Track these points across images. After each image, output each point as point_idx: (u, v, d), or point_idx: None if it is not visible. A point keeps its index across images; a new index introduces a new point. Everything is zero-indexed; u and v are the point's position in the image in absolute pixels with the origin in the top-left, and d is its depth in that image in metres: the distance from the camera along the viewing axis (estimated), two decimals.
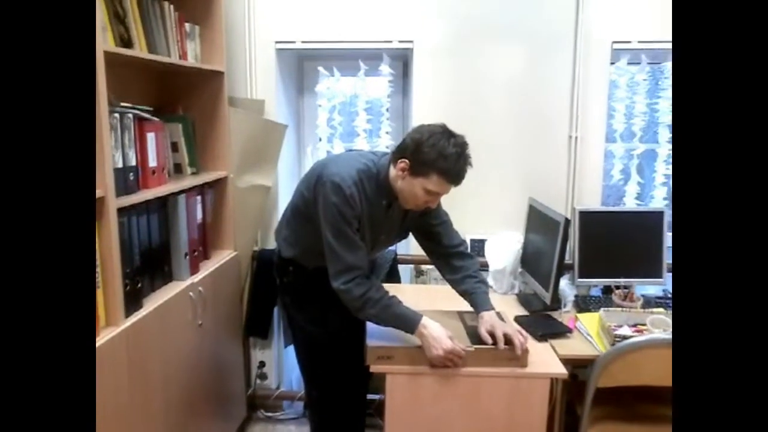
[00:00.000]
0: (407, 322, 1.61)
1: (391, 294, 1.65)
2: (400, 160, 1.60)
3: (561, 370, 1.64)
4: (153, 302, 1.72)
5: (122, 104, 1.78)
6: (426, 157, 1.54)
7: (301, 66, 2.76)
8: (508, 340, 1.61)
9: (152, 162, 1.81)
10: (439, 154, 1.53)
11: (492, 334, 1.62)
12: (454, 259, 1.82)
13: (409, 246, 2.54)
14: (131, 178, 1.69)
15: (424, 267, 2.46)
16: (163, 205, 1.88)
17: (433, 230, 1.82)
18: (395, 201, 1.69)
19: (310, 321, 1.82)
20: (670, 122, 2.56)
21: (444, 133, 1.57)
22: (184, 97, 2.23)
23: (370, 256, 1.87)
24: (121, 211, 1.59)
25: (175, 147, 2.11)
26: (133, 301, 1.62)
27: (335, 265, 1.62)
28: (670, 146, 2.59)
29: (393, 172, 1.64)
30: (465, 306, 1.80)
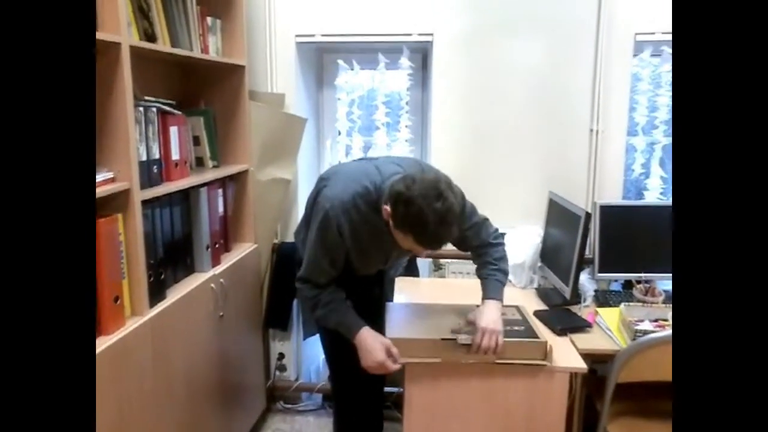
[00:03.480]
0: (348, 328, 1.65)
1: (345, 300, 1.69)
2: (384, 207, 1.53)
3: (581, 365, 1.63)
4: (176, 293, 1.75)
5: (146, 98, 1.80)
6: (403, 218, 1.45)
7: (321, 59, 2.77)
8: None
9: (175, 155, 1.84)
10: (417, 219, 1.41)
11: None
12: (482, 250, 1.78)
13: None
14: (155, 170, 1.72)
15: (442, 261, 2.46)
16: (186, 198, 1.90)
17: (462, 235, 1.74)
18: None
19: None
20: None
21: (429, 194, 1.41)
22: (205, 91, 2.26)
23: (387, 268, 1.91)
24: (145, 203, 1.61)
25: (196, 140, 2.13)
26: (157, 292, 1.65)
27: (303, 271, 1.69)
28: None
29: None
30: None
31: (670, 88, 2.55)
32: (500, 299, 1.69)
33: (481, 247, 1.77)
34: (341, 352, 1.86)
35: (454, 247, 1.83)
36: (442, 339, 1.60)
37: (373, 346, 1.59)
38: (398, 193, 1.45)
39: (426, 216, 1.40)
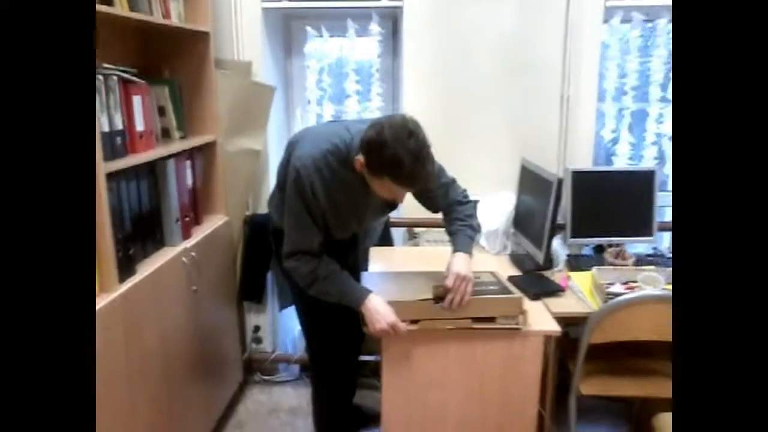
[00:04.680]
0: (354, 296, 1.62)
1: (342, 270, 1.67)
2: (357, 158, 1.52)
3: (554, 328, 1.67)
4: (146, 268, 1.71)
5: (105, 65, 1.72)
6: (379, 162, 1.46)
7: (289, 26, 2.69)
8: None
9: (139, 126, 1.77)
10: (392, 159, 1.42)
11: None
12: (451, 208, 1.80)
13: (401, 209, 2.53)
14: (119, 142, 1.65)
15: (416, 230, 2.47)
16: (152, 170, 1.84)
17: (431, 194, 1.79)
18: None
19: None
20: (662, 81, 2.55)
21: (401, 133, 1.43)
22: (168, 59, 2.17)
23: (361, 229, 1.89)
24: (110, 176, 1.55)
25: (162, 111, 2.05)
26: (126, 267, 1.61)
27: (288, 246, 1.66)
28: (661, 105, 2.58)
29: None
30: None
31: (639, 54, 2.56)
32: (469, 252, 1.71)
33: (451, 206, 1.80)
34: (318, 322, 1.86)
35: (427, 209, 1.85)
36: (419, 300, 1.61)
37: (385, 309, 1.57)
38: (370, 140, 1.46)
39: (400, 156, 1.41)
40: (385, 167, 1.46)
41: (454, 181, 1.83)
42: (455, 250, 1.71)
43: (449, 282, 1.59)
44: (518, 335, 1.63)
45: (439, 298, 1.60)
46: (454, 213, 1.79)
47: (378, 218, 1.91)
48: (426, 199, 1.82)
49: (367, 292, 1.62)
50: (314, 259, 1.65)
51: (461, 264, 1.64)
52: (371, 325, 1.59)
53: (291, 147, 1.72)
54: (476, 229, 1.81)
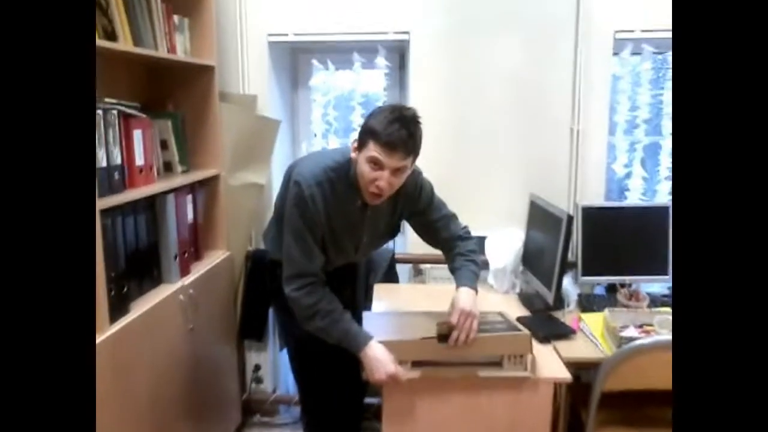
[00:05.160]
0: (355, 340, 1.54)
1: (345, 311, 1.59)
2: (352, 143, 1.58)
3: (565, 375, 1.58)
4: (141, 307, 1.66)
5: (106, 100, 1.71)
6: (364, 128, 1.52)
7: (296, 59, 2.68)
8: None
9: (139, 160, 1.75)
10: (376, 122, 1.48)
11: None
12: (452, 244, 1.75)
13: (407, 245, 2.47)
14: (116, 177, 1.62)
15: (422, 266, 2.40)
16: (151, 205, 1.81)
17: (432, 227, 1.76)
18: None
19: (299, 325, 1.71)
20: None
21: (390, 106, 1.54)
22: (173, 93, 2.16)
23: (357, 257, 1.83)
24: (106, 212, 1.52)
25: (164, 145, 2.04)
26: (118, 307, 1.56)
27: (289, 268, 1.60)
28: None
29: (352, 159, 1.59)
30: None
31: (651, 86, 2.51)
32: (474, 288, 1.65)
33: (452, 240, 1.75)
34: (315, 365, 1.77)
35: (427, 243, 1.82)
36: (422, 339, 1.53)
37: (384, 357, 1.50)
38: (364, 118, 1.56)
39: (380, 118, 1.48)
40: (367, 131, 1.49)
41: (455, 216, 1.79)
42: (459, 285, 1.65)
43: (453, 318, 1.52)
44: (526, 383, 1.54)
45: (443, 336, 1.52)
46: (456, 248, 1.74)
47: (376, 245, 1.84)
48: (426, 231, 1.78)
49: (369, 338, 1.54)
50: (317, 290, 1.58)
51: (466, 300, 1.58)
52: (370, 374, 1.52)
53: (290, 170, 1.70)
54: (480, 265, 1.76)
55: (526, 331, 1.57)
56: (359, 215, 1.64)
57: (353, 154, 1.57)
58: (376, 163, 1.49)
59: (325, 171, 1.59)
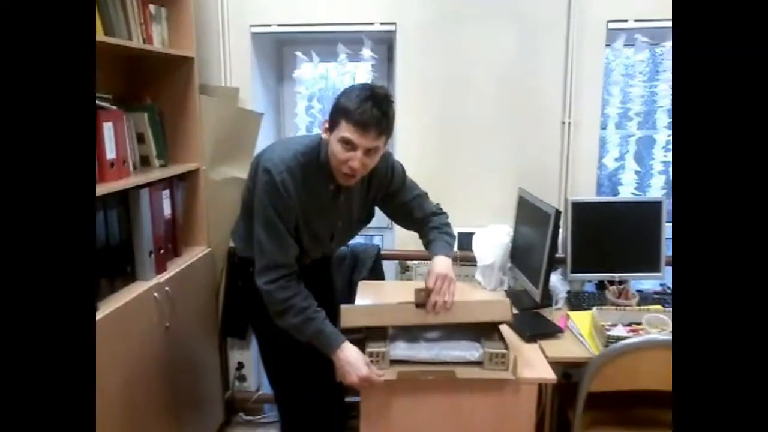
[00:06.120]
0: (328, 340, 1.49)
1: (319, 309, 1.54)
2: (323, 122, 1.53)
3: (549, 375, 1.52)
4: (111, 305, 1.60)
5: None
6: (335, 107, 1.47)
7: (280, 51, 2.62)
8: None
9: (110, 154, 1.69)
10: (347, 100, 1.44)
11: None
12: (426, 220, 1.75)
13: (394, 241, 2.42)
14: None
15: (409, 263, 2.34)
16: (124, 200, 1.75)
17: (405, 207, 1.75)
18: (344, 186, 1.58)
19: (274, 324, 1.62)
20: (669, 106, 2.42)
21: (361, 85, 1.49)
22: (151, 85, 2.10)
23: (333, 246, 1.78)
24: None
25: (141, 138, 1.98)
26: None
27: (261, 260, 1.53)
28: (669, 132, 2.46)
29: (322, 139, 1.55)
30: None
31: (645, 78, 2.45)
32: (450, 256, 1.64)
33: (425, 218, 1.75)
34: (290, 364, 1.71)
35: (403, 226, 1.82)
36: (399, 303, 1.54)
37: (356, 359, 1.46)
38: (335, 98, 1.50)
39: (355, 96, 1.43)
40: (339, 110, 1.45)
41: (426, 194, 1.78)
42: (435, 254, 1.63)
43: (430, 282, 1.52)
44: (509, 384, 1.49)
45: (421, 305, 1.51)
46: (430, 223, 1.74)
47: (351, 232, 1.80)
48: (400, 212, 1.76)
49: (342, 339, 1.49)
50: (291, 284, 1.52)
51: (442, 265, 1.58)
52: (342, 377, 1.47)
53: (257, 159, 1.62)
54: (454, 237, 1.75)
55: (506, 298, 1.56)
56: (332, 200, 1.60)
57: (324, 135, 1.52)
58: (348, 143, 1.44)
59: (295, 156, 1.53)
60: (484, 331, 1.56)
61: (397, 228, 2.30)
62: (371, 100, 1.42)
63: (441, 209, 1.78)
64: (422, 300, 1.51)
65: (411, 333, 1.58)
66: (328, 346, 1.48)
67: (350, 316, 1.53)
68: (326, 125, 1.51)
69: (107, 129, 1.67)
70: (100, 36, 1.65)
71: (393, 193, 1.71)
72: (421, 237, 1.76)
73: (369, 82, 1.61)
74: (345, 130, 1.43)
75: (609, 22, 2.23)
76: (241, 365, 2.45)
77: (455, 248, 1.74)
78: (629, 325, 1.71)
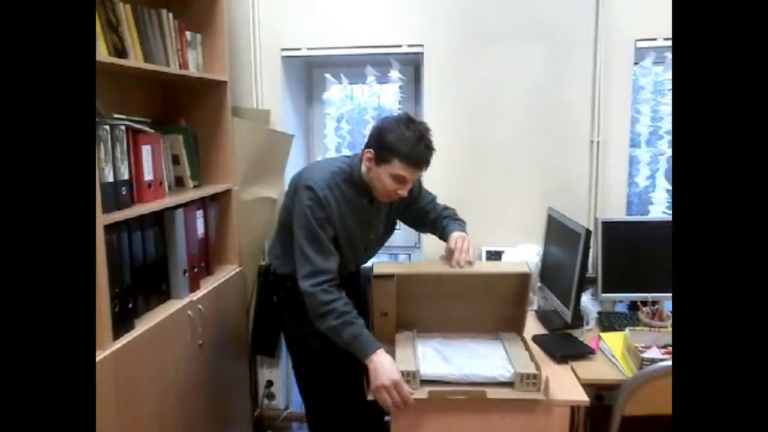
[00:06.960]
0: (365, 345, 1.53)
1: (359, 316, 1.59)
2: (365, 151, 1.65)
3: (582, 397, 1.50)
4: (147, 323, 1.64)
5: (115, 116, 1.71)
6: (386, 145, 1.58)
7: (309, 73, 2.68)
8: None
9: (148, 175, 1.74)
10: (398, 140, 1.56)
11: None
12: (439, 216, 1.91)
13: (422, 260, 2.42)
14: (123, 192, 1.62)
15: None
16: (160, 220, 1.80)
17: (422, 211, 1.91)
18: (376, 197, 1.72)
19: (311, 334, 1.69)
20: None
21: (403, 119, 1.61)
22: (186, 109, 2.17)
23: (365, 258, 1.89)
24: (112, 227, 1.51)
25: (176, 159, 2.04)
26: (122, 323, 1.54)
27: (305, 267, 1.62)
28: None
29: (363, 166, 1.68)
30: None
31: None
32: (464, 231, 1.80)
33: (438, 216, 1.92)
34: (326, 375, 1.74)
35: (418, 229, 2.04)
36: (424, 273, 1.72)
37: (390, 365, 1.49)
38: (376, 129, 1.64)
39: (406, 135, 1.57)
40: (392, 148, 1.57)
41: (436, 196, 1.96)
42: (453, 230, 1.78)
43: (451, 243, 1.70)
44: (540, 405, 1.47)
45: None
46: (442, 218, 1.90)
47: (379, 244, 1.92)
48: (418, 217, 1.92)
49: (378, 346, 1.53)
50: (334, 289, 1.60)
51: (459, 231, 1.77)
52: (373, 381, 1.48)
53: (296, 180, 1.75)
54: (465, 222, 1.90)
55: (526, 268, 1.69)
56: (367, 212, 1.75)
57: (367, 163, 1.65)
58: (401, 180, 1.60)
59: (333, 175, 1.68)
60: (514, 350, 1.55)
61: (425, 246, 2.31)
62: (422, 141, 1.59)
63: (448, 207, 1.95)
64: (446, 260, 1.70)
65: (442, 354, 1.58)
66: (364, 350, 1.52)
67: (383, 267, 1.71)
68: (370, 155, 1.63)
69: (146, 151, 1.73)
70: (140, 63, 1.72)
71: (412, 200, 1.87)
72: (434, 232, 1.91)
73: (404, 112, 1.74)
74: (399, 169, 1.58)
75: (637, 41, 2.23)
76: (270, 383, 2.47)
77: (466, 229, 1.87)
78: (664, 347, 1.68)
